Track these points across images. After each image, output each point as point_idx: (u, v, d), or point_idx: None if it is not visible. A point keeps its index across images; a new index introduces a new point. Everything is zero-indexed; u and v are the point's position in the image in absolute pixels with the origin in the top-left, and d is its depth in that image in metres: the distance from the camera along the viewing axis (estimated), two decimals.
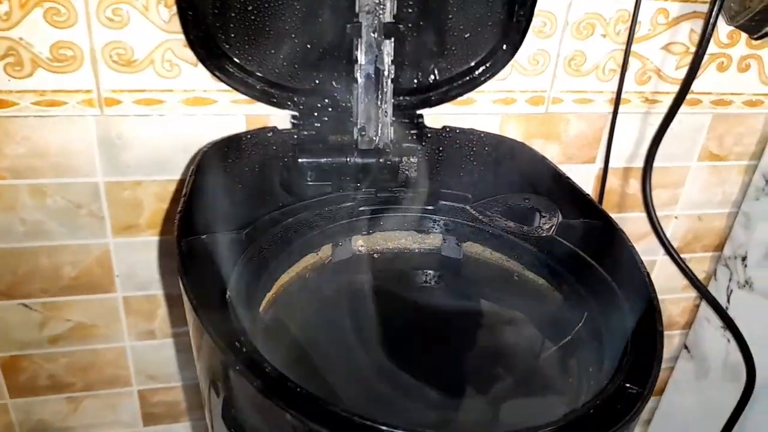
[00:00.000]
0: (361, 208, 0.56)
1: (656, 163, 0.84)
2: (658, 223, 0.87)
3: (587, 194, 0.54)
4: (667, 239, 0.89)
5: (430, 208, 0.57)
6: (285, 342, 0.46)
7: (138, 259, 0.76)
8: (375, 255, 0.58)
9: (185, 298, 0.39)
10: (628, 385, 0.36)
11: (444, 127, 0.69)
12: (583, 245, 0.50)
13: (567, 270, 0.49)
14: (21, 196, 0.69)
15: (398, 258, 0.58)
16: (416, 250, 0.59)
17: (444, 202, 0.58)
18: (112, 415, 0.88)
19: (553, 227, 0.52)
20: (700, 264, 0.98)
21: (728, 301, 0.95)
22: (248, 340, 0.34)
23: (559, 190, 0.57)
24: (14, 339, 0.78)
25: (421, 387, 0.46)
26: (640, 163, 0.87)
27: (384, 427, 0.30)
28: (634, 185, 0.88)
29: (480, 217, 0.55)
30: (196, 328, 0.40)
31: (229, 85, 0.66)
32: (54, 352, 0.80)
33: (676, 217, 0.93)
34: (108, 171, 0.70)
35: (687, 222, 0.94)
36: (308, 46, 0.65)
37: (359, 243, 0.58)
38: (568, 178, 0.57)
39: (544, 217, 0.54)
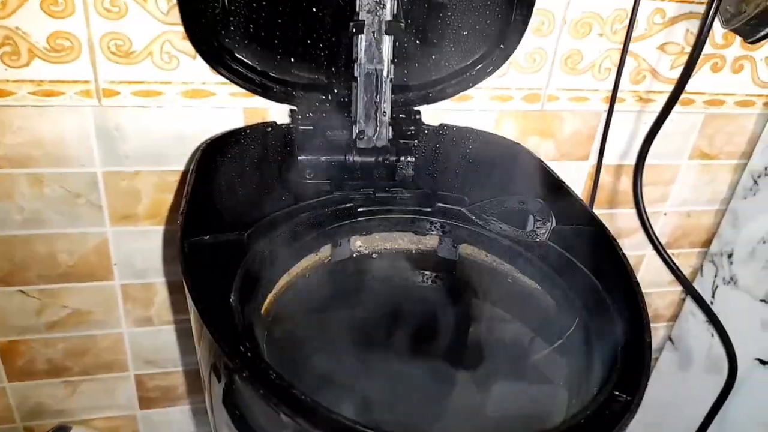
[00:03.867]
0: (359, 209, 0.57)
1: (648, 161, 0.85)
2: (648, 220, 0.89)
3: (581, 200, 0.55)
4: (655, 236, 0.90)
5: (427, 210, 0.58)
6: (285, 345, 0.47)
7: (136, 248, 0.77)
8: (373, 255, 0.59)
9: (189, 300, 0.40)
10: (617, 393, 0.38)
11: (441, 125, 0.70)
12: (575, 251, 0.51)
13: (559, 275, 0.51)
14: (18, 185, 0.69)
15: (396, 258, 0.60)
16: (413, 251, 0.60)
17: (441, 205, 0.59)
18: (110, 398, 0.89)
19: (547, 232, 0.53)
20: (687, 259, 1.00)
21: (713, 296, 0.98)
22: (253, 346, 0.35)
23: (554, 193, 0.58)
24: (12, 324, 0.79)
25: (412, 388, 0.47)
26: (631, 160, 0.88)
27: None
28: (625, 182, 0.89)
29: (476, 219, 0.56)
30: (199, 328, 0.41)
31: (228, 78, 0.66)
32: (51, 338, 0.81)
33: (665, 214, 0.95)
34: (106, 161, 0.70)
35: (676, 218, 0.96)
36: (308, 41, 0.65)
37: (358, 243, 0.59)
38: (562, 182, 0.58)
39: (538, 221, 0.55)
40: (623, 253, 0.48)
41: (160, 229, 0.76)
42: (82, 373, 0.86)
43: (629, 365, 0.39)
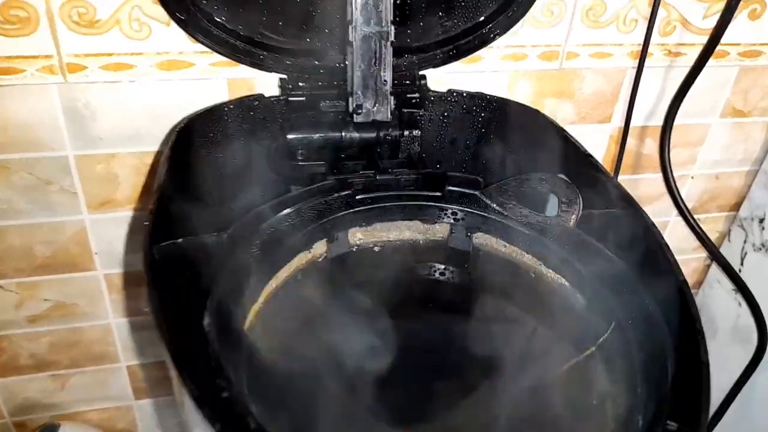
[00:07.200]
0: (358, 197, 0.50)
1: (675, 121, 0.78)
2: (675, 185, 0.82)
3: (612, 177, 0.48)
4: (682, 200, 0.84)
5: (436, 194, 0.51)
6: (273, 367, 0.41)
7: (117, 235, 0.71)
8: (375, 248, 0.52)
9: (156, 326, 0.33)
10: (670, 423, 0.31)
11: (449, 91, 0.62)
12: (609, 241, 0.44)
13: (591, 270, 0.44)
14: None
15: (401, 251, 0.53)
16: (421, 242, 0.53)
17: (452, 188, 0.52)
18: (103, 390, 0.85)
19: (576, 218, 0.47)
20: (714, 224, 0.94)
21: (741, 263, 0.91)
22: (231, 393, 0.29)
23: (581, 169, 0.51)
24: None
25: (423, 402, 0.41)
26: (657, 121, 0.80)
27: None
28: (650, 145, 0.82)
29: (492, 204, 0.50)
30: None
31: (207, 46, 0.58)
32: (34, 332, 0.76)
33: (692, 177, 0.88)
34: (78, 144, 0.63)
35: (703, 182, 0.89)
36: (296, 0, 0.57)
37: (357, 236, 0.52)
38: (590, 155, 0.51)
39: (563, 203, 0.48)
40: (666, 244, 0.41)
41: (143, 215, 0.69)
42: (70, 366, 0.81)
43: (683, 388, 0.33)
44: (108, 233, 0.70)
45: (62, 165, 0.64)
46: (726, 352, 0.96)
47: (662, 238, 0.42)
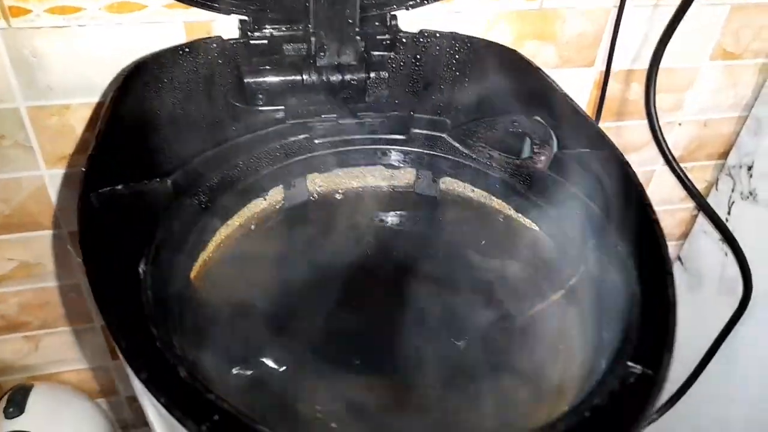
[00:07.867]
0: (317, 141, 0.47)
1: (662, 64, 0.74)
2: (660, 132, 0.79)
3: (588, 117, 0.45)
4: (668, 148, 0.81)
5: (401, 137, 0.48)
6: (223, 321, 0.39)
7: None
8: (336, 196, 0.50)
9: (87, 274, 0.31)
10: (631, 364, 0.30)
11: (421, 32, 0.59)
12: (581, 183, 0.42)
13: (561, 214, 0.42)
14: None
15: (364, 198, 0.50)
16: (385, 188, 0.50)
17: (417, 131, 0.49)
18: (78, 351, 0.83)
19: (547, 159, 0.44)
20: (702, 173, 0.91)
21: (729, 212, 0.89)
22: (164, 342, 0.27)
23: (556, 110, 0.48)
24: None
25: (392, 358, 0.40)
26: (642, 64, 0.77)
27: None
28: (636, 90, 0.79)
29: (461, 147, 0.47)
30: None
31: None
32: (1, 292, 0.74)
33: (679, 124, 0.85)
34: (29, 94, 0.60)
35: (691, 129, 0.86)
36: None
37: (317, 182, 0.49)
38: (566, 95, 0.48)
39: (536, 145, 0.45)
40: (640, 184, 0.39)
41: None
42: (42, 327, 0.79)
43: (648, 330, 0.31)
44: (70, 190, 0.67)
45: (14, 118, 0.61)
46: (712, 303, 0.95)
47: (637, 178, 0.39)
